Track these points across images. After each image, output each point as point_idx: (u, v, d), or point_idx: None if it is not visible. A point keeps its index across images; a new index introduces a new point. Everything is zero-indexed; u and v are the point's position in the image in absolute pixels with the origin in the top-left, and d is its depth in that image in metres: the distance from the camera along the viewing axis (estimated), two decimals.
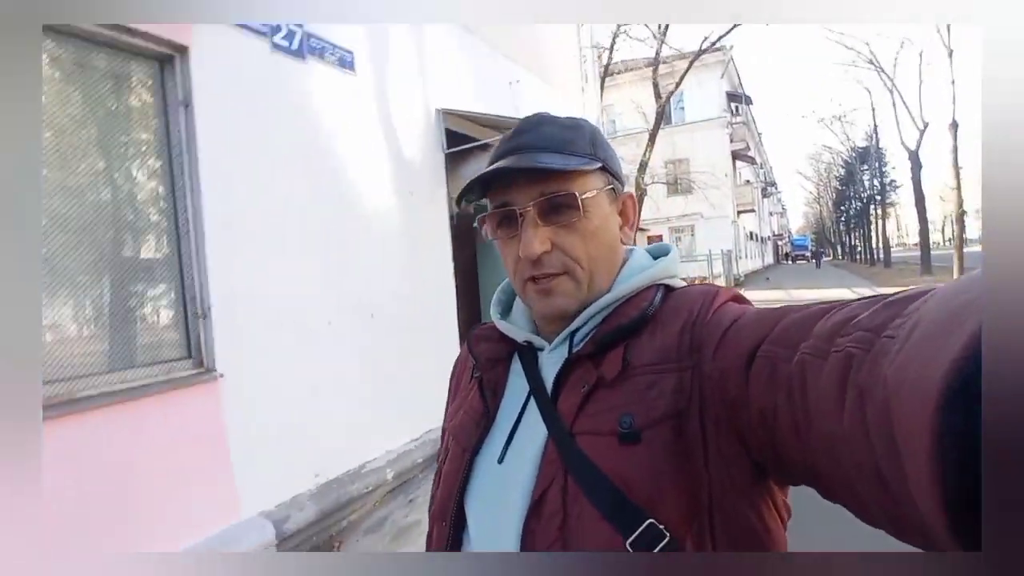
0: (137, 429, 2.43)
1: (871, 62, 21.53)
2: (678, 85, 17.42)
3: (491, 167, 0.62)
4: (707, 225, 23.72)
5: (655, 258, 0.70)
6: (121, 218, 2.61)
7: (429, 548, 0.68)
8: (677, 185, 23.52)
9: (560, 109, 4.51)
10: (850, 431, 0.35)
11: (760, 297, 16.42)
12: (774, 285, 21.27)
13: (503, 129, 5.21)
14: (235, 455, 2.80)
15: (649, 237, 23.57)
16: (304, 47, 3.33)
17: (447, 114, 4.57)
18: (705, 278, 17.24)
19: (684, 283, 0.67)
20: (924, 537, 0.32)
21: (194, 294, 2.75)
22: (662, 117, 16.60)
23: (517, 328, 0.69)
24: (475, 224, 0.67)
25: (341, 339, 3.47)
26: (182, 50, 2.72)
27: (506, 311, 0.75)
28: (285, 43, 3.21)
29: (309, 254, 3.32)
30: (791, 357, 0.43)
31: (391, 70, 4.08)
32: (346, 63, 3.64)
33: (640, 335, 0.59)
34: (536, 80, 6.43)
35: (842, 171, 41.36)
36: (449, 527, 0.63)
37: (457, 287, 4.74)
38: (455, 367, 0.80)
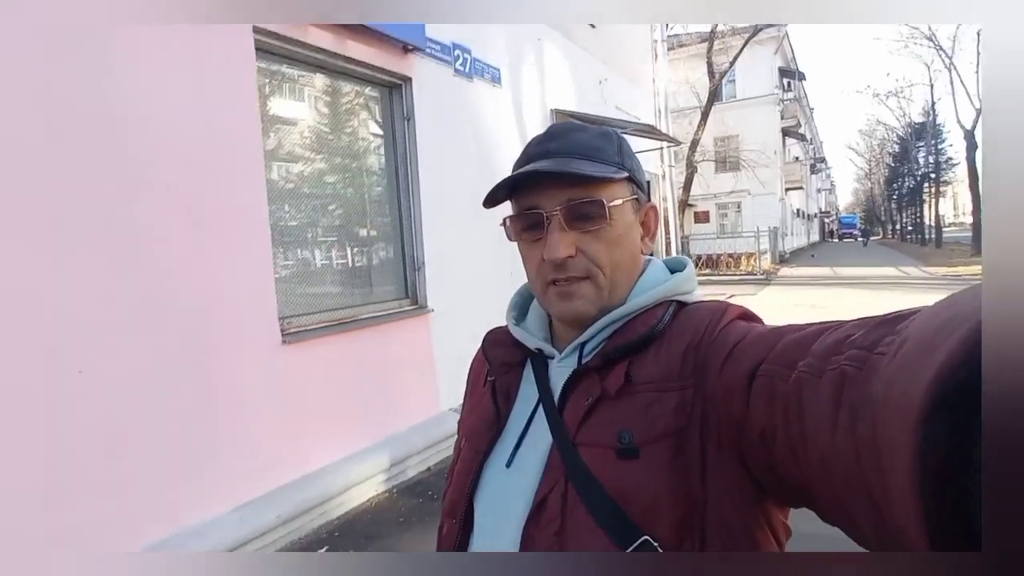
0: (376, 345, 3.63)
1: (929, 39, 21.24)
2: (732, 64, 17.81)
3: (522, 170, 0.62)
4: (754, 202, 23.87)
5: (672, 271, 0.69)
6: (364, 198, 3.79)
7: (439, 542, 0.70)
8: (726, 162, 23.73)
9: (637, 100, 5.74)
10: (842, 448, 0.36)
11: (806, 274, 16.97)
12: (820, 262, 21.64)
13: (596, 124, 6.21)
14: (437, 367, 4.00)
15: (696, 213, 24.05)
16: (471, 69, 4.42)
17: (558, 113, 5.61)
18: (752, 254, 17.79)
19: (698, 298, 0.67)
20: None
21: (412, 253, 3.93)
22: (715, 96, 17.05)
23: (530, 335, 0.69)
24: (501, 224, 0.69)
25: (501, 290, 4.64)
26: (406, 79, 3.84)
27: (521, 316, 0.74)
28: (462, 68, 4.30)
29: (482, 225, 4.47)
30: (789, 376, 0.43)
31: (522, 81, 5.13)
32: (496, 79, 4.71)
33: (647, 351, 0.59)
34: (618, 76, 7.36)
35: (896, 147, 40.36)
36: (459, 525, 0.65)
37: None
38: (472, 367, 0.80)
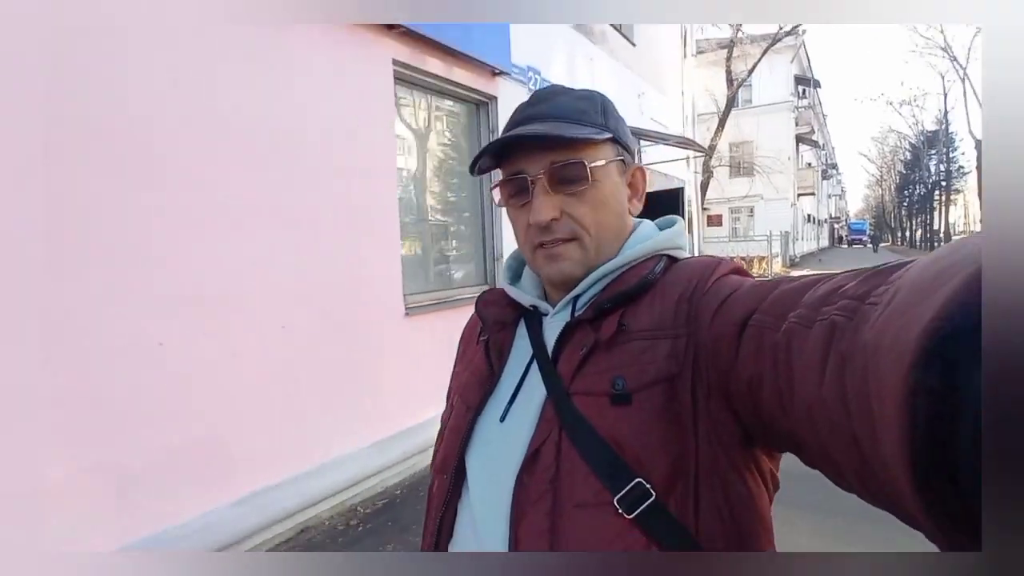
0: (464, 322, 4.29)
1: (944, 49, 21.69)
2: (751, 72, 18.33)
3: (503, 135, 0.63)
4: (767, 207, 24.37)
5: (662, 229, 0.70)
6: (455, 200, 4.49)
7: (430, 498, 0.71)
8: (740, 168, 24.20)
9: (671, 112, 6.54)
10: (829, 397, 0.36)
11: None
12: (828, 266, 22.23)
13: (640, 137, 6.88)
14: None
15: (709, 217, 24.55)
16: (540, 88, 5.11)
17: None
18: (764, 257, 18.36)
19: (689, 254, 0.68)
20: (893, 503, 0.33)
21: (492, 245, 4.63)
22: (733, 103, 17.60)
23: (524, 293, 0.71)
24: (490, 191, 0.63)
25: None
26: (493, 98, 4.53)
27: (516, 277, 0.76)
28: (534, 87, 4.99)
29: None
30: (779, 326, 0.44)
31: None
32: None
33: (639, 302, 0.60)
34: (652, 89, 8.02)
35: (908, 155, 40.75)
36: (450, 480, 0.65)
37: None
38: (465, 329, 0.82)
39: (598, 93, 0.68)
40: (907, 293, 0.31)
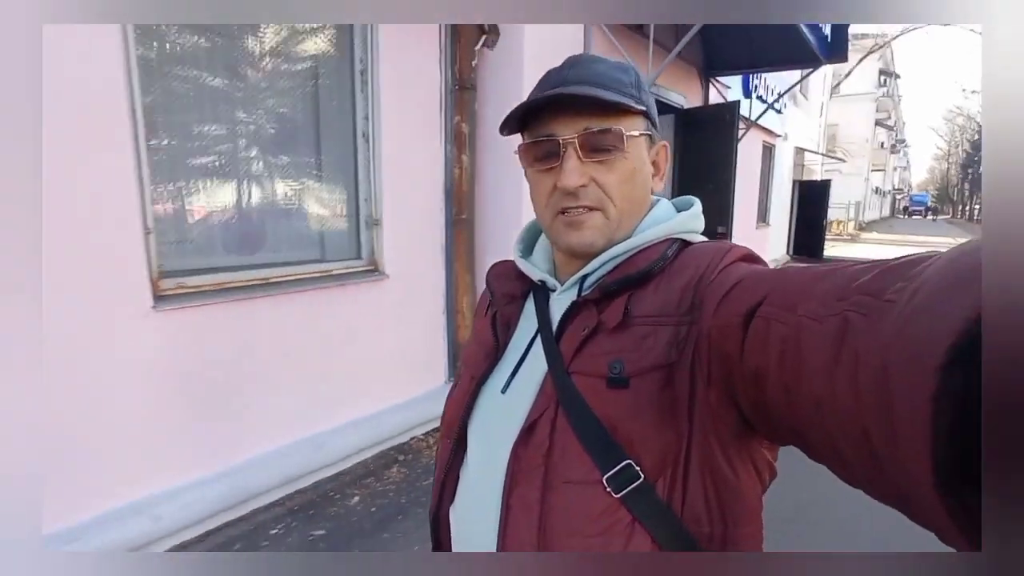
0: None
1: None
2: (847, 75, 23.18)
3: (542, 94, 0.61)
4: (843, 180, 28.72)
5: (679, 211, 0.70)
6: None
7: (437, 460, 0.76)
8: (824, 148, 28.72)
9: (813, 128, 14.06)
10: (840, 393, 0.35)
11: (882, 238, 23.03)
12: (887, 231, 27.59)
13: (805, 151, 13.14)
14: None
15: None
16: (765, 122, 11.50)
17: (798, 149, 12.59)
18: (842, 221, 23.62)
19: (703, 238, 0.68)
20: (903, 501, 0.32)
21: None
22: (827, 104, 22.56)
23: (534, 268, 0.72)
24: (515, 152, 0.66)
25: None
26: (773, 146, 10.96)
27: (528, 251, 0.77)
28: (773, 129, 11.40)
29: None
30: (788, 319, 0.43)
31: (792, 133, 12.09)
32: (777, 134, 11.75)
33: (647, 286, 0.60)
34: (807, 116, 14.16)
35: (976, 136, 44.17)
36: (453, 445, 0.70)
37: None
38: (479, 301, 0.83)
39: (632, 66, 0.67)
40: (930, 292, 0.30)
